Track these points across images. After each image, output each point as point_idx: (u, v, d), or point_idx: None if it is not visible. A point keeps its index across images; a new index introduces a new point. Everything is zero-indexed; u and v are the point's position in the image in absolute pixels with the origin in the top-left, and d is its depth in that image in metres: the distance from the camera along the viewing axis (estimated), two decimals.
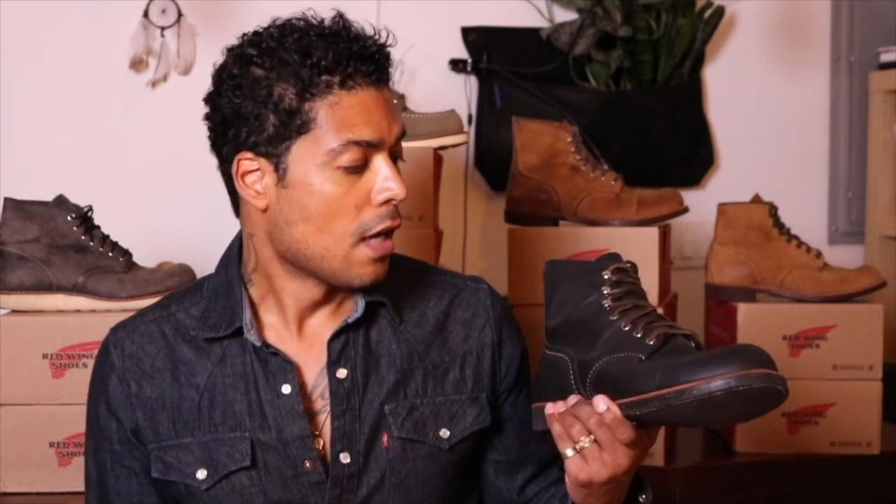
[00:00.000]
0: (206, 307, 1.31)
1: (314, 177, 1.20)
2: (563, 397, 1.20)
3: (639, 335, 1.15)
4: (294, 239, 1.22)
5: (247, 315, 1.28)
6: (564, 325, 1.22)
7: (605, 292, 1.19)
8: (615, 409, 1.14)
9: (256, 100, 1.20)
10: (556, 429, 1.18)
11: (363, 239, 1.22)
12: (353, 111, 1.19)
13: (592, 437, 1.15)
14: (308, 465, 1.26)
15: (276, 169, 1.21)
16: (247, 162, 1.23)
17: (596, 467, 1.16)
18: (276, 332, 1.30)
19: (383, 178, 1.21)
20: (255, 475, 1.26)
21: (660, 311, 1.22)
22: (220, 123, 1.24)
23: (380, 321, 1.32)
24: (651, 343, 1.13)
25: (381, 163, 1.21)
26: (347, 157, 1.19)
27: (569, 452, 1.17)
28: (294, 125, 1.19)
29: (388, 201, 1.22)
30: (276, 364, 1.27)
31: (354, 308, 1.29)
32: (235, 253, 1.33)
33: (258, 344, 1.27)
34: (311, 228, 1.21)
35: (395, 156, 1.25)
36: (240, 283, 1.30)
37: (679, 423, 1.16)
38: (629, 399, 1.12)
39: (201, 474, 1.26)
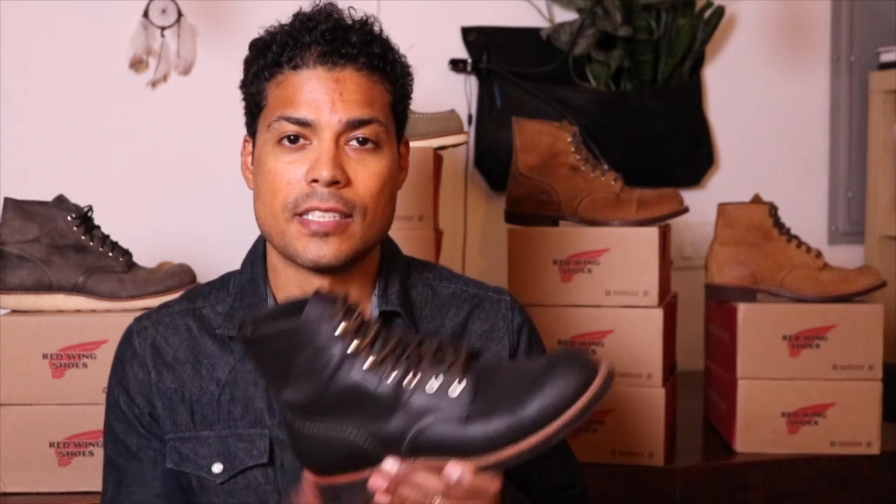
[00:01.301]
0: (231, 304, 1.31)
1: (262, 153, 1.25)
2: (360, 469, 1.05)
3: (435, 386, 1.01)
4: (256, 216, 1.27)
5: None
6: (320, 399, 1.04)
7: (356, 351, 1.02)
8: (470, 472, 1.01)
9: (244, 83, 1.29)
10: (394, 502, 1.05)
11: (295, 215, 1.22)
12: (294, 89, 1.22)
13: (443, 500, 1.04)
14: None
15: (254, 148, 1.28)
16: (248, 144, 1.32)
17: None
18: None
19: (315, 158, 1.21)
20: (271, 472, 1.26)
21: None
22: None
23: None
24: (458, 391, 1.00)
25: (321, 143, 1.22)
26: (281, 132, 1.22)
27: None
28: (256, 105, 1.26)
29: (314, 181, 1.21)
30: None
31: (370, 317, 1.29)
32: (261, 248, 1.34)
33: None
34: (259, 204, 1.26)
35: (365, 138, 1.22)
36: (265, 280, 1.31)
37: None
38: (483, 462, 1.01)
39: (217, 468, 1.26)
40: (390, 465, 1.03)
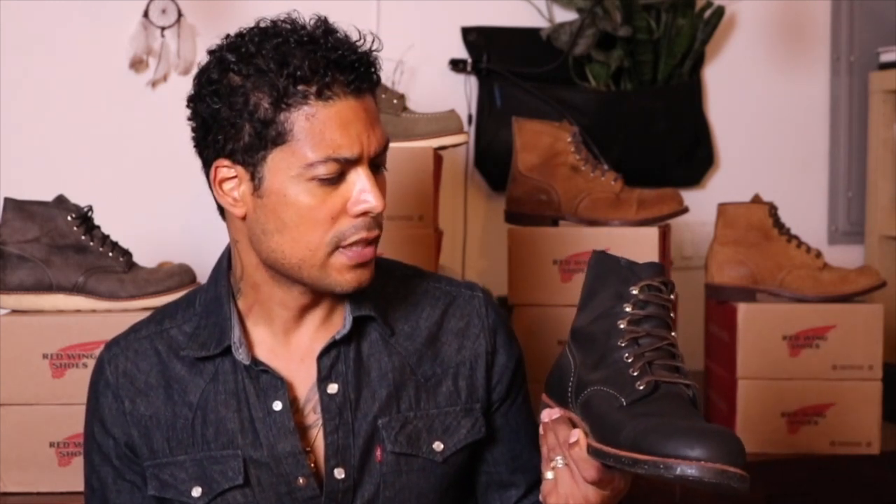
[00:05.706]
0: (197, 324, 1.29)
1: (289, 188, 1.18)
2: (562, 401, 1.18)
3: (634, 374, 1.10)
4: (270, 248, 1.21)
5: (235, 333, 1.27)
6: (584, 329, 1.18)
7: (627, 310, 1.14)
8: (582, 446, 1.11)
9: (233, 108, 1.18)
10: (542, 449, 1.18)
11: (339, 247, 1.20)
12: (331, 124, 1.17)
13: (566, 460, 1.14)
14: (301, 481, 1.26)
15: (253, 178, 1.20)
16: (224, 169, 1.22)
17: (564, 494, 1.14)
18: (267, 347, 1.29)
19: (360, 189, 1.19)
20: (249, 493, 1.26)
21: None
22: (201, 127, 1.22)
23: (370, 334, 1.30)
24: (640, 388, 1.09)
25: (358, 174, 1.19)
26: (324, 170, 1.17)
27: (548, 475, 1.16)
28: (269, 136, 1.17)
29: (364, 213, 1.20)
30: (267, 381, 1.26)
31: (343, 323, 1.28)
32: (225, 264, 1.31)
33: (247, 363, 1.26)
34: (285, 239, 1.20)
35: (378, 165, 1.23)
36: (229, 297, 1.29)
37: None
38: (595, 444, 1.09)
39: (196, 492, 1.26)
40: (557, 410, 1.18)
